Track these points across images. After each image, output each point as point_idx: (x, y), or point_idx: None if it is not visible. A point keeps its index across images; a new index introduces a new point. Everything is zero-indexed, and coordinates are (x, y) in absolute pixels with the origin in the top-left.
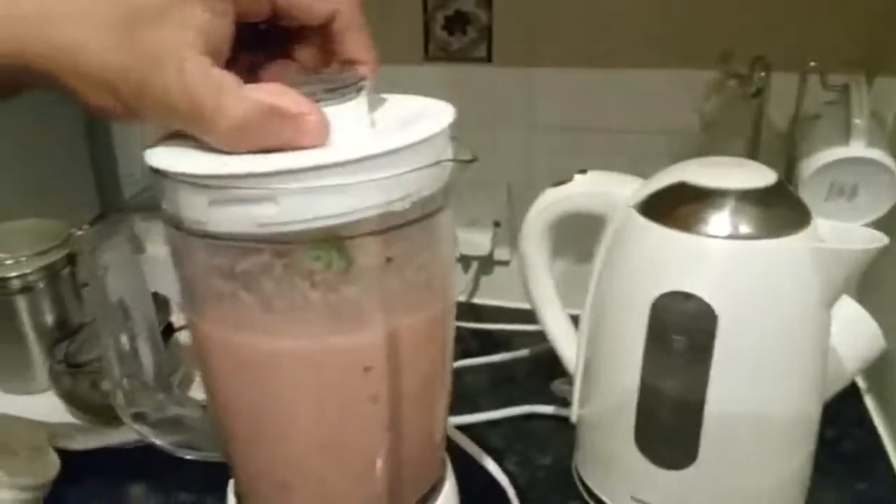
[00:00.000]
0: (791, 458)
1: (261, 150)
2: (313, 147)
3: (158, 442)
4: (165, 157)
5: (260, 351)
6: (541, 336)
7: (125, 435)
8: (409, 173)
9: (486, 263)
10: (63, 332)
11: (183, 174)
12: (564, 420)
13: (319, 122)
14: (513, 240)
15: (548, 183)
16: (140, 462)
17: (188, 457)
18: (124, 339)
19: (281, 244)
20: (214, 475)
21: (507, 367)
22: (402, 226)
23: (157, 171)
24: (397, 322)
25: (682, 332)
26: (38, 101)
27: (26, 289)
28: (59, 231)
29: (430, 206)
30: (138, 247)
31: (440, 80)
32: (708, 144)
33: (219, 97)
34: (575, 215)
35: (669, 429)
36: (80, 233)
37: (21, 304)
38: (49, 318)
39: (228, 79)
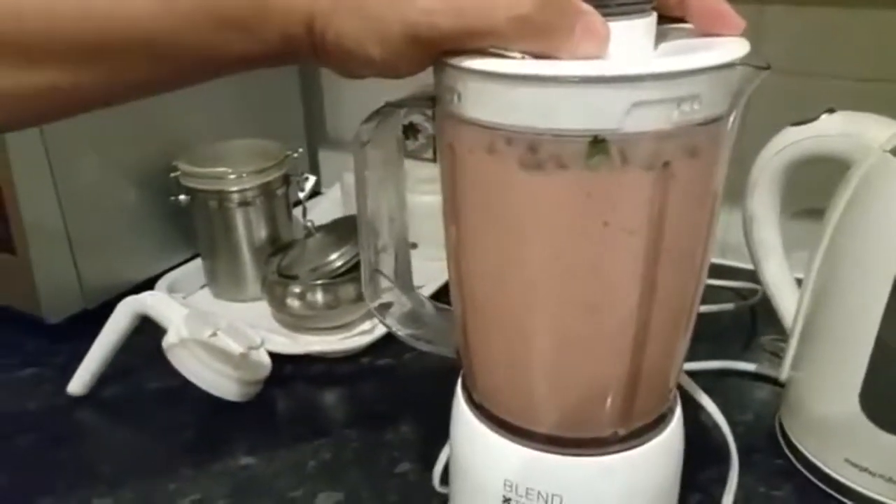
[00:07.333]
0: None
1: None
2: (593, 57)
3: (398, 332)
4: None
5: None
6: (742, 294)
7: (327, 344)
8: (701, 73)
9: None
10: (275, 247)
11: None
12: (764, 378)
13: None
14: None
15: (768, 129)
16: (337, 369)
17: (423, 349)
18: (384, 234)
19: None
20: (406, 386)
21: (708, 321)
22: (686, 129)
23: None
24: None
25: None
26: None
27: (244, 203)
28: (276, 152)
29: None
30: (401, 147)
31: None
32: None
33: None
34: (816, 158)
35: None
36: (295, 155)
37: (239, 217)
38: (263, 233)
39: None
